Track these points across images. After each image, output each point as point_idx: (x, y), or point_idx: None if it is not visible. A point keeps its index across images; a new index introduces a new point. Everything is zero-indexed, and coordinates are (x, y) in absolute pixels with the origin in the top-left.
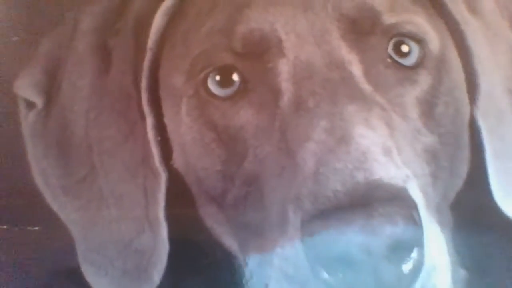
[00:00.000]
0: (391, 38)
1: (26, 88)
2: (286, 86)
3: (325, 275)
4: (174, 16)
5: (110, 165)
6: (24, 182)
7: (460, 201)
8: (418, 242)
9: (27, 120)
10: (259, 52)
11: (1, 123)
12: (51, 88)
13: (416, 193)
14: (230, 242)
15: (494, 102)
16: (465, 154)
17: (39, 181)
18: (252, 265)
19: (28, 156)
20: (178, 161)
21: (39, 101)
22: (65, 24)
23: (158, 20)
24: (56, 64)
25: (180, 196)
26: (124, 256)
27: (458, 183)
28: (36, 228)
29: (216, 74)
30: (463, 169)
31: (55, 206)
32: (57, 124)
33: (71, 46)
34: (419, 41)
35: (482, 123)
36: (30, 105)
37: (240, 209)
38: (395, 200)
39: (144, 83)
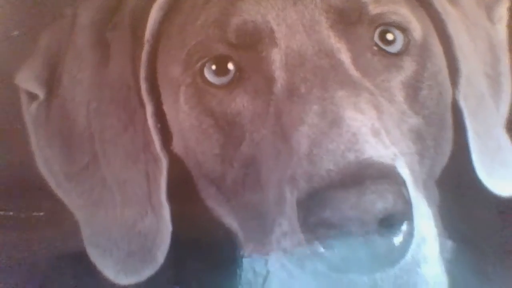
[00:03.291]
0: (377, 27)
1: (28, 80)
2: (279, 73)
3: (321, 249)
4: (169, 10)
5: (112, 153)
6: (28, 169)
7: (446, 177)
8: (407, 216)
9: (30, 112)
10: (253, 42)
11: (4, 114)
12: (52, 81)
13: (404, 171)
14: (230, 222)
15: (474, 85)
16: (449, 133)
17: (43, 169)
18: (252, 243)
19: (32, 145)
20: (178, 146)
21: (40, 93)
22: (64, 19)
23: (154, 14)
24: (56, 57)
25: (181, 179)
26: (129, 238)
27: (443, 160)
28: (42, 213)
29: (212, 64)
30: (447, 148)
31: (59, 193)
32: (59, 115)
33: (70, 40)
34: (403, 30)
35: (463, 105)
36: (32, 97)
37: (239, 190)
38: (385, 177)
39: (142, 74)
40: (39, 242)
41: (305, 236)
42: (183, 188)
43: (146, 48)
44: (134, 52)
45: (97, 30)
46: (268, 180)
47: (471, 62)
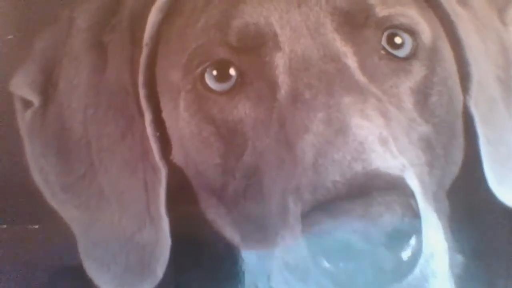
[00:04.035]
0: (385, 30)
1: (23, 86)
2: (282, 79)
3: (326, 264)
4: (169, 12)
5: (110, 162)
6: (23, 180)
7: (456, 188)
8: (416, 230)
9: (24, 119)
10: (255, 46)
11: None
12: (47, 86)
13: (413, 182)
14: (231, 234)
15: (486, 90)
16: (460, 142)
17: (38, 179)
18: (254, 257)
19: (27, 155)
20: (177, 155)
21: (36, 100)
22: (60, 22)
23: (153, 16)
24: (52, 62)
25: (181, 190)
26: (126, 251)
27: (454, 170)
28: (36, 226)
29: (213, 69)
30: (458, 157)
31: (55, 204)
32: (55, 122)
33: (66, 44)
34: (412, 32)
35: (474, 111)
36: (27, 103)
37: (241, 201)
38: (393, 189)
39: (141, 79)
40: (34, 256)
41: (309, 250)
42: (182, 199)
43: (145, 51)
44: (133, 56)
45: (95, 33)
46: (271, 191)
47: (482, 66)
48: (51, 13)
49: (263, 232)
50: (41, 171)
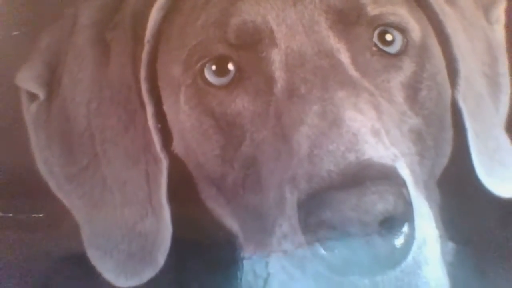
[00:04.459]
0: (376, 28)
1: (28, 80)
2: (279, 74)
3: (322, 251)
4: (170, 10)
5: (113, 153)
6: (28, 170)
7: (447, 178)
8: (408, 218)
9: (30, 112)
10: (252, 43)
11: (4, 114)
12: (52, 81)
13: (404, 171)
14: (230, 223)
15: (473, 86)
16: (449, 134)
17: (43, 170)
18: (253, 245)
19: (32, 146)
20: (178, 147)
21: (41, 93)
22: (64, 19)
23: (154, 14)
24: (56, 57)
25: (181, 180)
26: (129, 240)
27: (443, 161)
28: (41, 215)
29: (212, 64)
30: (447, 148)
31: (59, 194)
32: (59, 115)
33: (70, 40)
34: (402, 30)
35: (462, 105)
36: (32, 97)
37: (239, 191)
38: (385, 178)
39: (142, 74)
40: (39, 244)
41: (306, 238)
42: (183, 189)
43: (146, 48)
44: (135, 52)
45: (98, 30)
46: (269, 181)
47: (469, 63)
48: (56, 10)
49: (261, 220)
50: (46, 162)
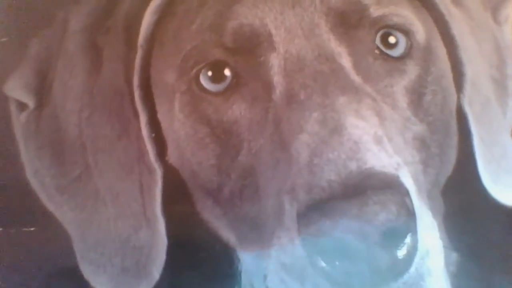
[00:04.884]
0: (379, 30)
1: (17, 89)
2: (277, 79)
3: (322, 264)
4: (163, 14)
5: (105, 163)
6: (18, 182)
7: (451, 186)
8: (411, 228)
9: (19, 121)
10: (250, 47)
11: None
12: (42, 89)
13: (408, 181)
14: (227, 235)
15: (479, 90)
16: (454, 141)
17: (33, 181)
18: (250, 257)
19: (22, 157)
20: (173, 157)
21: (30, 102)
22: (54, 24)
23: (147, 18)
24: (46, 64)
25: (177, 191)
26: (123, 253)
27: (448, 169)
28: (32, 229)
29: (208, 70)
30: (452, 156)
31: (50, 206)
32: (50, 124)
33: (61, 46)
34: (406, 32)
35: (468, 110)
36: (21, 106)
37: (236, 202)
38: (388, 188)
39: (136, 81)
40: (31, 258)
41: (306, 250)
42: (178, 200)
43: (139, 53)
44: (127, 57)
45: (89, 35)
46: (267, 191)
47: (476, 65)
48: (45, 15)
49: (259, 232)
50: (37, 173)
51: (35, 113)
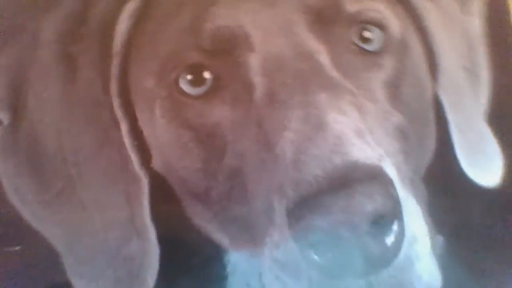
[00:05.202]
0: (355, 26)
1: None
2: (258, 79)
3: (315, 257)
4: (139, 19)
5: (88, 175)
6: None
7: (432, 172)
8: (397, 216)
9: None
10: (228, 49)
11: None
12: (16, 102)
13: (391, 171)
14: (219, 237)
15: (453, 79)
16: (432, 129)
17: (14, 199)
18: (244, 258)
19: (0, 175)
20: (157, 163)
21: (4, 117)
22: (25, 34)
23: (123, 23)
24: (19, 76)
25: (165, 197)
26: (114, 265)
27: (428, 157)
28: (17, 248)
29: (187, 74)
30: (431, 144)
31: (35, 223)
32: (27, 139)
33: (33, 56)
34: (382, 27)
35: (444, 99)
36: None
37: (226, 204)
38: (373, 179)
39: (114, 89)
40: (17, 279)
41: (298, 245)
42: (167, 207)
43: (116, 60)
44: (104, 65)
45: (63, 44)
46: (255, 191)
47: (449, 56)
48: (14, 24)
49: (251, 232)
50: (17, 191)
51: (11, 128)
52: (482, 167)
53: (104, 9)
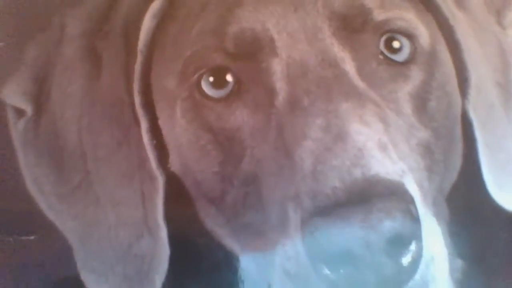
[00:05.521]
0: (382, 35)
1: (15, 95)
2: (280, 85)
3: (327, 272)
4: (163, 18)
5: (106, 171)
6: (17, 189)
7: (455, 192)
8: (416, 235)
9: (17, 128)
10: (252, 52)
11: None
12: (40, 95)
13: (412, 187)
14: (231, 243)
15: (484, 95)
16: (458, 147)
17: (33, 189)
18: (254, 265)
19: (20, 165)
20: (174, 164)
21: (28, 109)
22: (51, 29)
23: (147, 22)
24: (44, 70)
25: (179, 199)
26: (124, 262)
27: (453, 175)
28: (32, 237)
29: (209, 76)
30: (457, 162)
31: (50, 215)
32: (49, 131)
33: (59, 51)
34: (410, 36)
35: (473, 116)
36: (19, 113)
37: (240, 210)
38: (392, 195)
39: (136, 87)
40: (30, 268)
41: (310, 258)
42: (181, 208)
43: (139, 59)
44: (127, 63)
45: (87, 40)
46: (271, 199)
47: (480, 70)
48: (43, 19)
49: (263, 240)
50: (36, 181)
51: (33, 120)
52: (510, 190)
53: (129, 7)
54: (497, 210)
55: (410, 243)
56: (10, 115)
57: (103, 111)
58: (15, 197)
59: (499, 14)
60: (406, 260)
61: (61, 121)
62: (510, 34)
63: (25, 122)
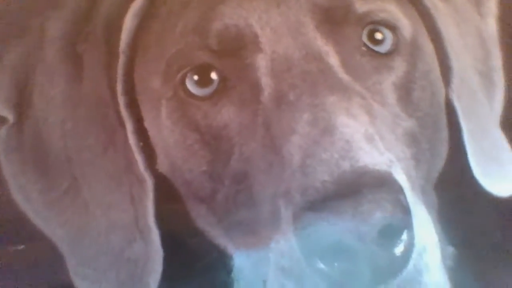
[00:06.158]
0: (365, 27)
1: None
2: (265, 81)
3: (321, 265)
4: (145, 17)
5: (93, 176)
6: (3, 199)
7: (443, 180)
8: (407, 225)
9: (0, 136)
10: (236, 49)
11: None
12: (22, 101)
13: (401, 177)
14: (224, 242)
15: (467, 83)
16: (444, 135)
17: (18, 198)
18: (248, 263)
19: (4, 173)
20: (163, 165)
21: (10, 116)
22: (31, 32)
23: (128, 22)
24: (24, 74)
25: (170, 200)
26: (117, 267)
27: (439, 163)
28: (21, 247)
29: (193, 74)
30: (443, 150)
31: (39, 223)
32: (32, 138)
33: (39, 55)
34: (392, 28)
35: (457, 104)
36: (1, 120)
37: (231, 208)
38: (381, 185)
39: (120, 88)
40: (20, 278)
41: (303, 253)
42: (172, 209)
43: (122, 59)
44: (109, 64)
45: (68, 42)
46: (261, 195)
47: (462, 59)
48: (21, 23)
49: (256, 237)
50: (22, 189)
51: (16, 126)
52: (496, 176)
53: (110, 7)
54: (484, 195)
55: (401, 233)
56: None
57: (87, 114)
58: (1, 208)
59: (478, 4)
60: (398, 250)
61: (45, 126)
62: (489, 23)
63: (7, 130)
